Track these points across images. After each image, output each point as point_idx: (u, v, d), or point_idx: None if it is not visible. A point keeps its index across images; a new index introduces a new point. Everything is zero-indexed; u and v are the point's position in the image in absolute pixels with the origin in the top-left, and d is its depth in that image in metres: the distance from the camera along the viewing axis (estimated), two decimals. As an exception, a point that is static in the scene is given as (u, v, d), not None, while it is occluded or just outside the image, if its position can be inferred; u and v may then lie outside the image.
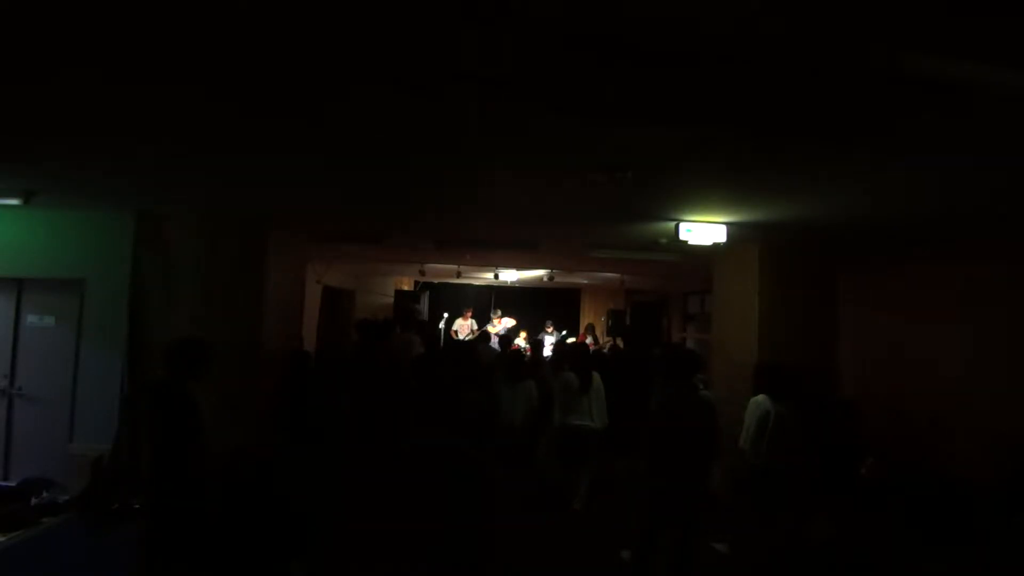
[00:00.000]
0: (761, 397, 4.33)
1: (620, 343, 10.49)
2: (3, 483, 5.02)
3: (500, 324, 11.15)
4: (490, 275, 10.74)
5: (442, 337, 10.95)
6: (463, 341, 9.62)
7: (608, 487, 5.49)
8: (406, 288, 13.17)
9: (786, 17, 1.63)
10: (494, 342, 8.77)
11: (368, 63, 2.04)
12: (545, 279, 10.58)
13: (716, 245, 4.65)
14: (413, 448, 4.05)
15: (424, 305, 12.66)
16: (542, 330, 10.80)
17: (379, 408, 4.86)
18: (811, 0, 1.55)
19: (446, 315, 11.62)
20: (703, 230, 4.48)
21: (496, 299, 13.11)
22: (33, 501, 4.47)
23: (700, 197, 3.92)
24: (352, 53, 1.98)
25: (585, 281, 11.69)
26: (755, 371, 4.52)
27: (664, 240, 5.39)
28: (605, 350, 9.57)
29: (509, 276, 10.90)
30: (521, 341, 10.03)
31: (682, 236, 4.47)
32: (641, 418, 3.92)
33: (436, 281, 12.91)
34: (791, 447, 4.19)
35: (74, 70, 2.20)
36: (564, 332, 10.84)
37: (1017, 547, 3.44)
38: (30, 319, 5.35)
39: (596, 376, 5.33)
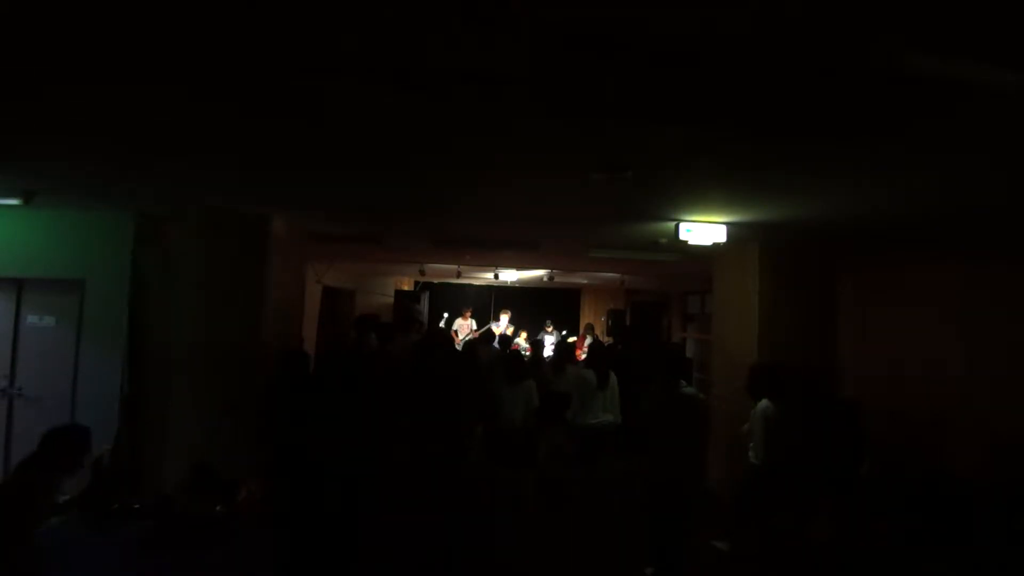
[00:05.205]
0: (764, 402, 4.34)
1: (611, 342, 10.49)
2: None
3: (504, 321, 11.08)
4: (490, 275, 10.73)
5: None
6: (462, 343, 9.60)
7: (609, 488, 5.50)
8: (406, 288, 13.17)
9: (787, 17, 1.63)
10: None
11: (369, 63, 2.04)
12: (545, 279, 10.56)
13: (716, 245, 4.65)
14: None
15: (424, 305, 12.66)
16: (542, 330, 10.80)
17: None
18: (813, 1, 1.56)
19: (446, 315, 11.63)
20: (703, 230, 4.48)
21: (496, 299, 13.11)
22: (33, 501, 4.45)
23: (700, 197, 3.92)
24: (352, 52, 1.98)
25: (585, 281, 11.69)
26: (752, 372, 4.53)
27: (664, 240, 5.39)
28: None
29: (509, 276, 10.89)
30: (521, 341, 10.02)
31: (682, 236, 4.47)
32: (634, 418, 4.03)
33: (436, 281, 12.91)
34: (791, 447, 4.19)
35: (74, 71, 2.20)
36: (564, 332, 10.83)
37: (1017, 547, 3.44)
38: (30, 319, 5.35)
39: (612, 374, 5.37)
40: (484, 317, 11.87)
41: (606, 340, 11.15)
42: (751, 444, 4.37)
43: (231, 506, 3.48)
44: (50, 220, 5.22)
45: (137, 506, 3.30)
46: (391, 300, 12.34)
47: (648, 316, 12.55)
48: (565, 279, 10.87)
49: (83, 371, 5.17)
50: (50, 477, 3.00)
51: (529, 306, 12.56)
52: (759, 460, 4.30)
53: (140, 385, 5.13)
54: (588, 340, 9.53)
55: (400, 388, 5.18)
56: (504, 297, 12.91)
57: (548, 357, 8.13)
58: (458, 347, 8.86)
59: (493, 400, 5.27)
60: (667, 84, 2.11)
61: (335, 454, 4.20)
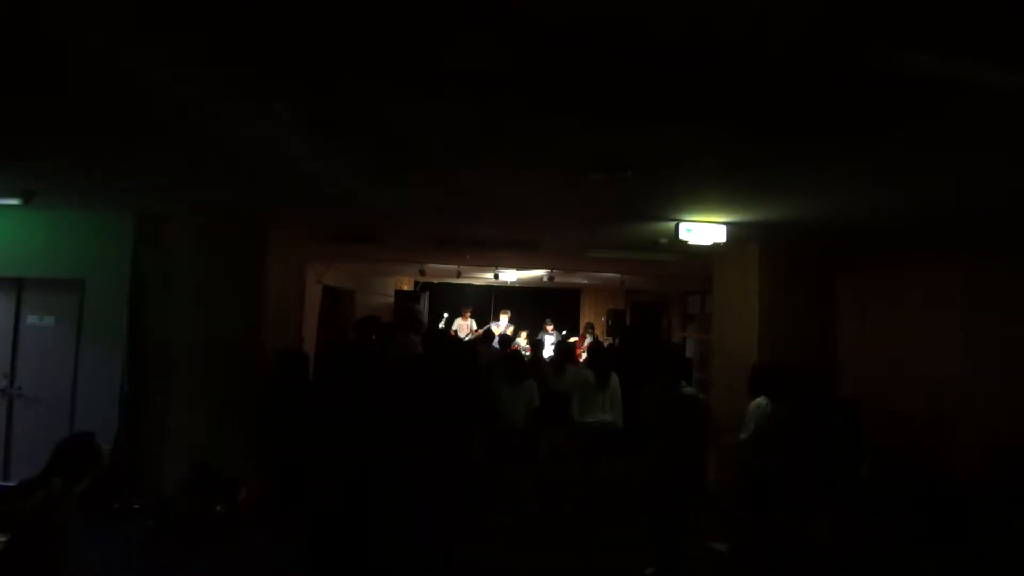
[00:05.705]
0: (762, 399, 4.33)
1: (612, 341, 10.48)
2: (3, 483, 5.02)
3: (504, 321, 11.08)
4: (490, 275, 10.72)
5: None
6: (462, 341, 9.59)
7: (609, 488, 5.50)
8: (406, 288, 13.17)
9: (788, 18, 1.63)
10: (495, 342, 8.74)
11: (369, 63, 2.04)
12: (545, 279, 10.55)
13: (716, 245, 4.65)
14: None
15: (424, 305, 12.66)
16: (542, 330, 10.79)
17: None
18: (813, 1, 1.56)
19: (446, 315, 11.63)
20: (703, 230, 4.48)
21: (496, 299, 13.11)
22: (33, 501, 4.44)
23: (700, 197, 3.92)
24: (352, 52, 1.98)
25: (585, 281, 11.69)
26: (751, 372, 4.52)
27: (664, 240, 5.39)
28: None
29: (509, 276, 10.88)
30: (521, 341, 10.02)
31: (682, 236, 4.47)
32: (634, 418, 4.03)
33: (436, 281, 12.90)
34: (791, 447, 4.19)
35: (73, 71, 2.20)
36: (564, 332, 10.82)
37: (1017, 547, 3.44)
38: (30, 319, 5.35)
39: (613, 374, 5.37)
40: (484, 317, 11.86)
41: (606, 340, 11.14)
42: (741, 435, 4.35)
43: (231, 506, 3.49)
44: (50, 220, 5.22)
45: (137, 506, 3.30)
46: (391, 300, 12.33)
47: (648, 316, 12.56)
48: (565, 279, 10.86)
49: (83, 371, 5.17)
50: (63, 489, 3.00)
51: (529, 306, 12.55)
52: (751, 455, 4.28)
53: (140, 385, 5.13)
54: (588, 340, 9.54)
55: (400, 388, 5.18)
56: (504, 297, 12.91)
57: (548, 357, 8.13)
58: (458, 347, 8.84)
59: (493, 400, 5.27)
60: (667, 84, 2.11)
61: (335, 454, 4.20)
